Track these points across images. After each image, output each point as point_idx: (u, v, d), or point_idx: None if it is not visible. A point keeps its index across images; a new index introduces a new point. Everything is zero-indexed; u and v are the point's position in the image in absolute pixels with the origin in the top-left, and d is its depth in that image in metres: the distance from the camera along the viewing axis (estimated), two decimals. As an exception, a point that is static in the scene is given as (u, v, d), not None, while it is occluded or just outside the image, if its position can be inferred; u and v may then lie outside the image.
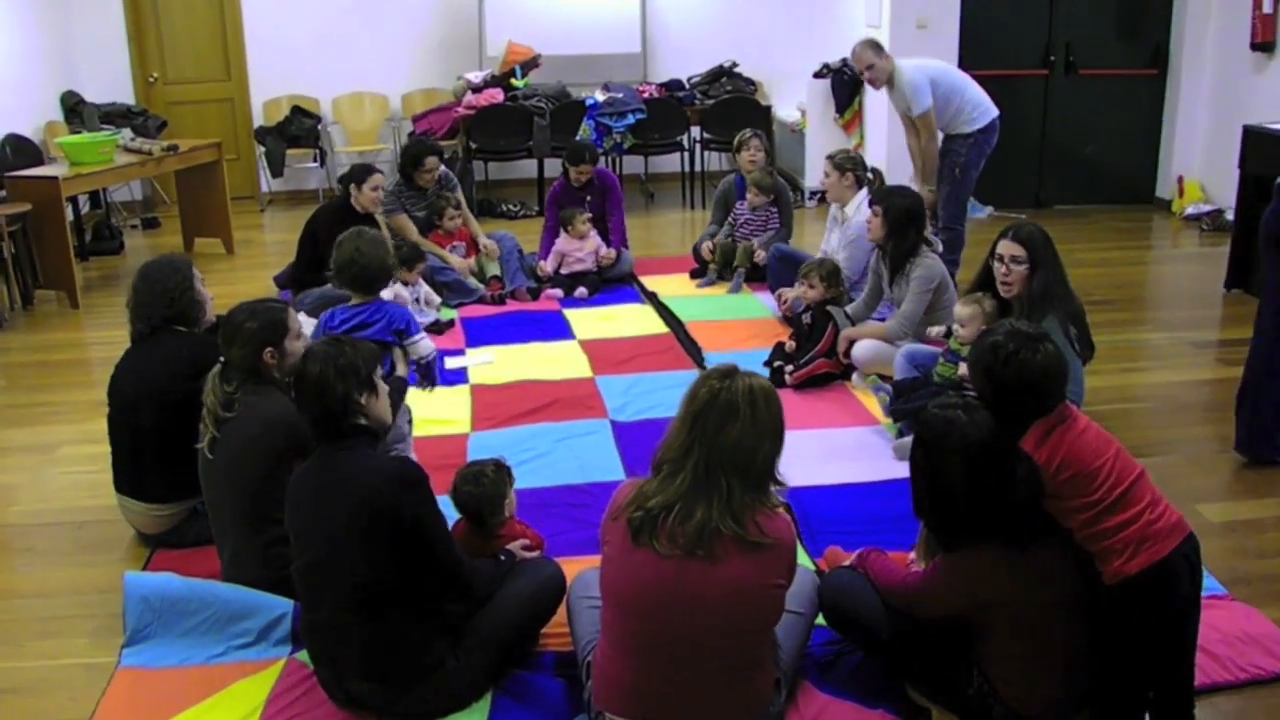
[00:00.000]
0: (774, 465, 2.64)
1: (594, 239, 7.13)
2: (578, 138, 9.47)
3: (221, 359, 3.53)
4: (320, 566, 2.88)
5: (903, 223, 5.11)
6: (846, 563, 3.24)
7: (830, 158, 6.33)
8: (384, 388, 3.06)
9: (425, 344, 4.57)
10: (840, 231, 6.28)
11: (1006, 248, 4.25)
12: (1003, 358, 2.76)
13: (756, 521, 2.56)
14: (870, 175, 6.50)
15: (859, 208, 6.09)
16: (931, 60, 6.83)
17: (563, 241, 7.11)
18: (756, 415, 2.57)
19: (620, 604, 2.65)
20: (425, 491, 2.90)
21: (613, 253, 7.16)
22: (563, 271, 7.09)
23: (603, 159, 9.33)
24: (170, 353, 3.86)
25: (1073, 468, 2.70)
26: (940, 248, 5.54)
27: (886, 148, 8.71)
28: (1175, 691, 2.78)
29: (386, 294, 6.04)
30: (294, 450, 3.42)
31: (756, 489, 2.60)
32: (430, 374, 4.62)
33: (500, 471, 3.48)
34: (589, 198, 7.30)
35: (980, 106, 6.79)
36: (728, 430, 2.55)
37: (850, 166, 6.25)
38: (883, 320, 5.35)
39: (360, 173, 6.54)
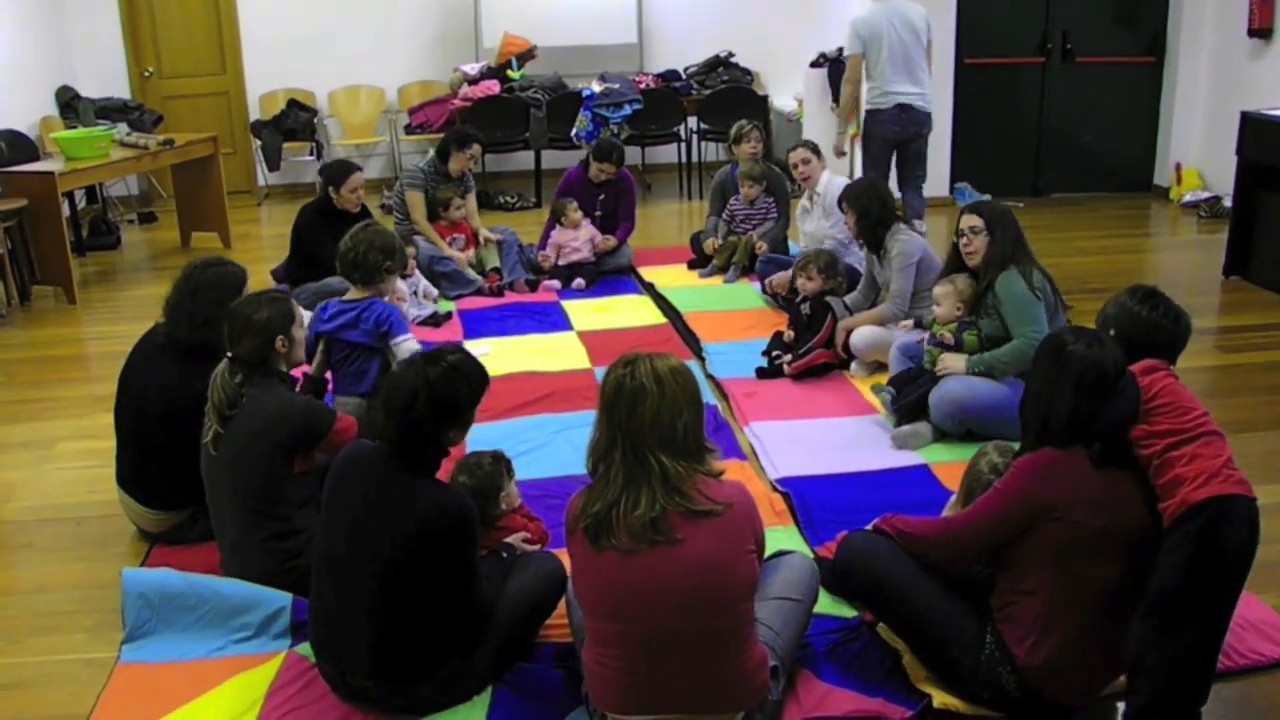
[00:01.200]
0: (700, 433, 2.67)
1: (587, 228, 7.11)
2: (575, 129, 9.46)
3: (229, 354, 3.51)
4: (343, 562, 2.87)
5: (860, 198, 5.33)
6: (869, 526, 3.23)
7: (807, 145, 6.51)
8: (471, 420, 3.06)
9: (410, 344, 4.40)
10: (817, 209, 6.45)
11: (965, 221, 4.57)
12: (1148, 296, 3.05)
13: (700, 490, 2.58)
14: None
15: (828, 181, 6.43)
16: (887, 27, 6.92)
17: (558, 233, 7.11)
18: (665, 390, 2.60)
19: (599, 610, 2.65)
20: (476, 532, 2.90)
21: (611, 240, 7.16)
22: (560, 263, 7.08)
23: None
24: (191, 380, 3.72)
25: (1168, 397, 2.84)
26: (924, 228, 5.58)
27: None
28: (1204, 661, 2.76)
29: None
30: (296, 446, 3.43)
31: (688, 458, 2.61)
32: None
33: (498, 464, 3.47)
34: (602, 195, 7.28)
35: (879, 92, 7.03)
36: (640, 410, 2.58)
37: (819, 150, 6.57)
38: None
39: (339, 174, 6.43)
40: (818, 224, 6.43)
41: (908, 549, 3.03)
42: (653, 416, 2.58)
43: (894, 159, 7.21)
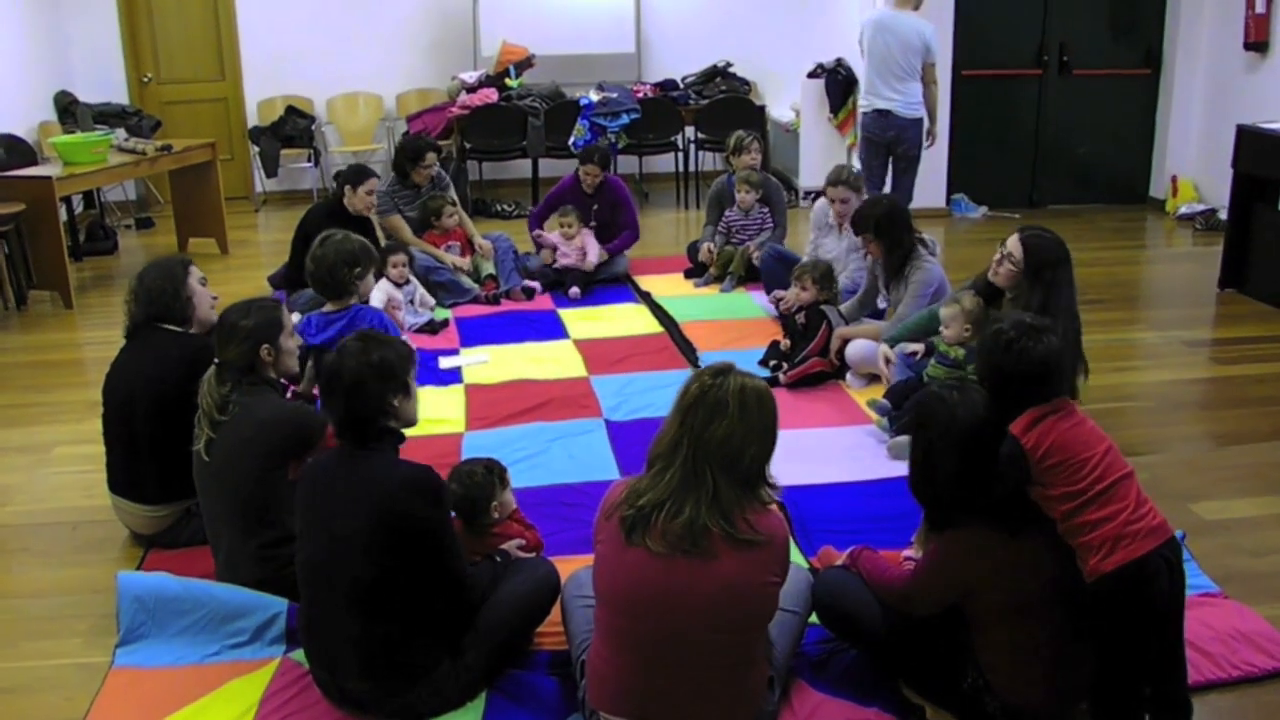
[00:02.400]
0: (764, 467, 2.64)
1: (581, 238, 7.09)
2: (572, 138, 9.47)
3: (216, 360, 3.53)
4: (324, 564, 2.88)
5: (891, 228, 5.19)
6: (839, 561, 3.24)
7: (845, 182, 6.18)
8: (415, 387, 3.06)
9: None
10: (846, 238, 6.21)
11: (1011, 243, 4.25)
12: (1004, 344, 2.82)
13: (747, 519, 2.56)
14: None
15: None
16: (878, 33, 7.32)
17: (556, 236, 7.12)
18: (746, 415, 2.57)
19: (614, 603, 2.65)
20: (443, 501, 2.90)
21: (592, 263, 7.08)
22: (554, 265, 7.10)
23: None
24: (162, 352, 3.84)
25: (1059, 455, 2.73)
26: (938, 249, 5.56)
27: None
28: (1169, 689, 2.79)
29: (378, 294, 6.08)
30: (289, 452, 3.43)
31: (744, 487, 2.59)
32: None
33: (491, 474, 3.46)
34: (596, 206, 7.25)
35: (863, 95, 7.65)
36: (715, 427, 2.55)
37: (861, 183, 6.28)
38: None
39: (356, 175, 6.48)
40: (841, 255, 6.24)
41: (870, 589, 3.04)
42: (724, 437, 2.56)
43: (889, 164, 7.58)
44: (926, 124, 7.48)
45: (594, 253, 7.08)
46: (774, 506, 2.70)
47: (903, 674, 3.05)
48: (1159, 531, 2.71)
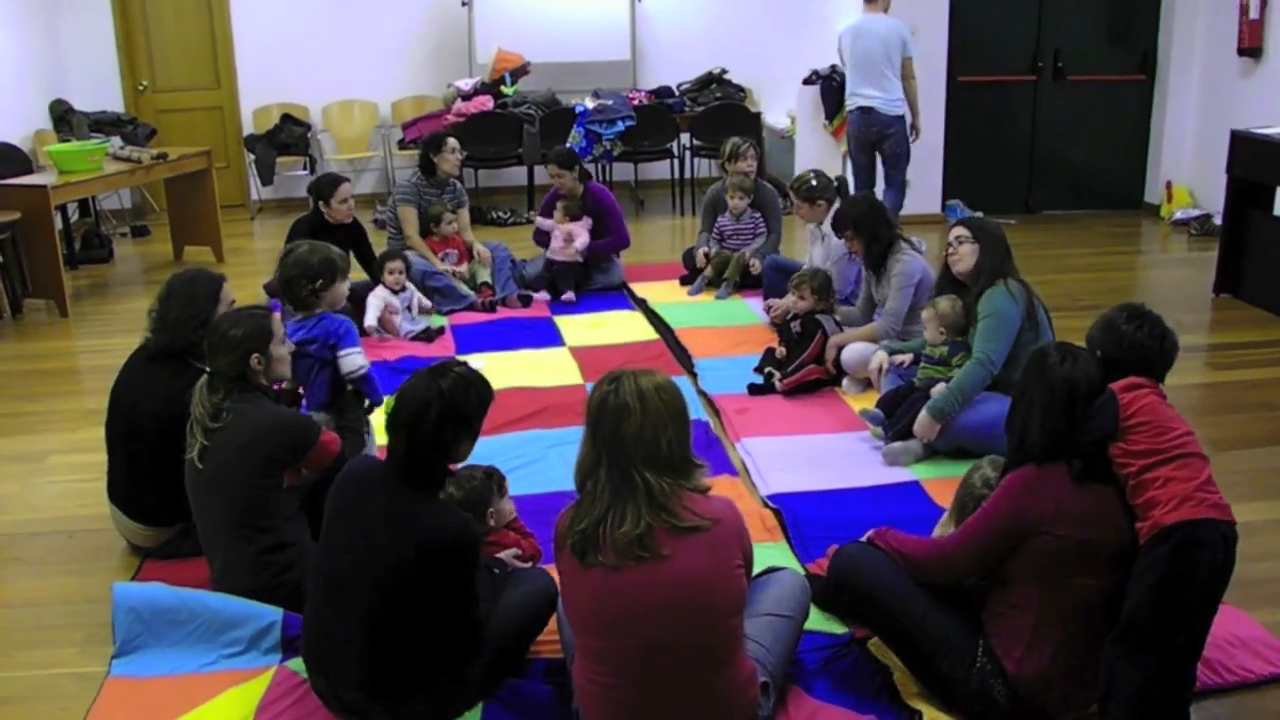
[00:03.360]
0: (685, 449, 2.67)
1: (569, 225, 7.05)
2: (568, 145, 9.46)
3: (208, 370, 3.51)
4: (342, 580, 2.87)
5: (869, 225, 5.31)
6: (863, 538, 3.24)
7: (795, 190, 6.28)
8: (479, 431, 3.04)
9: (353, 359, 4.24)
10: (822, 248, 6.27)
11: (953, 232, 4.67)
12: (1121, 330, 3.04)
13: (686, 506, 2.59)
14: (835, 184, 6.46)
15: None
16: (856, 37, 7.66)
17: (553, 225, 7.12)
18: (648, 407, 2.60)
19: (586, 628, 2.66)
20: (477, 554, 2.91)
21: (577, 249, 7.03)
22: (548, 256, 7.10)
23: (593, 166, 9.34)
24: (177, 392, 3.70)
25: (1147, 416, 2.85)
26: (924, 248, 5.61)
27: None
28: (1177, 686, 2.78)
29: (375, 301, 6.07)
30: (284, 459, 3.42)
31: (674, 474, 2.62)
32: (368, 390, 4.30)
33: (490, 480, 3.46)
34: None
35: (846, 96, 7.94)
36: (623, 427, 2.59)
37: (817, 195, 6.18)
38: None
39: (327, 187, 6.33)
40: (820, 260, 6.23)
41: (901, 566, 3.05)
42: (636, 433, 2.59)
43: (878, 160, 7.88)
44: (909, 119, 7.70)
45: (580, 241, 7.04)
46: (717, 492, 2.73)
47: (907, 654, 3.05)
48: (1224, 510, 2.76)
